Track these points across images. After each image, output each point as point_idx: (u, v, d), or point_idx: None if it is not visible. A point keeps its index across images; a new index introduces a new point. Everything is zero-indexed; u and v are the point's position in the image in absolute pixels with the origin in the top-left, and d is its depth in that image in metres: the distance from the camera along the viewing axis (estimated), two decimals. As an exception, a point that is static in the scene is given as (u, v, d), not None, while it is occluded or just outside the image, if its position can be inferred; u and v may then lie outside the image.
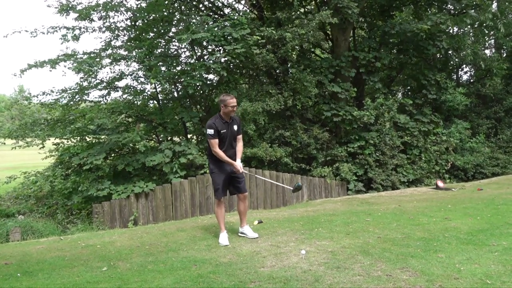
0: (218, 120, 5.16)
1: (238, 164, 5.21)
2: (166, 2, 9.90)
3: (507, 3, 13.52)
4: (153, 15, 9.98)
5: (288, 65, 11.59)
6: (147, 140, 10.43)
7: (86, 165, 8.53)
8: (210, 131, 5.07)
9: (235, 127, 5.28)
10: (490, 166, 13.14)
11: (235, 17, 9.55)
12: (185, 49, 10.77)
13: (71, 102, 9.85)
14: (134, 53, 9.49)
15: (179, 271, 4.09)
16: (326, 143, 10.73)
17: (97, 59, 9.16)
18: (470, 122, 13.77)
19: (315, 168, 10.21)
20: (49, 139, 9.93)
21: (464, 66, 16.34)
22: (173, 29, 10.63)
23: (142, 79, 10.12)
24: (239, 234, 5.50)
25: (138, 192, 8.05)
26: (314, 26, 9.73)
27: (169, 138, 9.89)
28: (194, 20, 10.16)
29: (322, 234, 5.41)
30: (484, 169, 12.96)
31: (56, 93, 9.66)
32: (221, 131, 5.12)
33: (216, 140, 5.09)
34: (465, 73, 17.30)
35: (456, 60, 14.83)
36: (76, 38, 9.69)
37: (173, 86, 10.64)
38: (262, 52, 9.36)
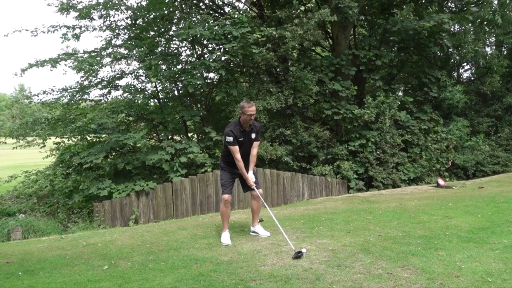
0: (237, 127, 5.01)
1: (250, 176, 5.13)
2: (167, 0, 9.89)
3: (508, 1, 13.47)
4: (153, 13, 9.97)
5: (289, 64, 11.58)
6: (148, 139, 10.44)
7: (87, 164, 8.54)
8: (229, 139, 4.94)
9: (253, 135, 5.14)
10: (491, 164, 13.13)
11: (236, 16, 9.54)
12: (186, 48, 10.78)
13: (72, 101, 9.86)
14: (134, 52, 9.49)
15: (180, 270, 4.10)
16: (327, 141, 10.73)
17: (98, 58, 9.17)
18: (469, 120, 13.76)
19: (316, 167, 10.21)
20: (50, 138, 9.94)
21: (465, 64, 16.33)
22: (174, 28, 10.63)
23: (143, 78, 10.13)
24: (251, 233, 5.48)
25: (139, 190, 8.05)
26: (313, 24, 9.72)
27: (169, 137, 9.90)
28: (194, 19, 10.15)
29: (322, 233, 5.41)
30: (485, 167, 12.95)
31: (57, 92, 9.70)
32: (239, 139, 5.00)
33: (237, 147, 4.97)
34: (466, 71, 17.29)
35: (457, 58, 14.80)
36: (76, 37, 9.70)
37: (173, 85, 10.64)
38: (262, 50, 9.36)
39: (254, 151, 5.22)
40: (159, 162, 8.57)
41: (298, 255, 4.33)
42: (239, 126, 5.03)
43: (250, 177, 5.13)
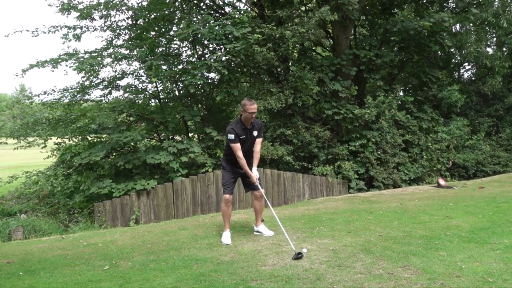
0: (238, 125, 5.06)
1: (254, 173, 5.14)
2: (167, 1, 9.90)
3: (509, 1, 13.46)
4: (154, 14, 9.98)
5: (289, 63, 11.56)
6: (149, 139, 10.43)
7: (85, 160, 8.53)
8: (231, 136, 4.98)
9: (255, 133, 5.17)
10: (492, 164, 13.12)
11: (236, 16, 9.53)
12: (186, 48, 10.78)
13: (73, 101, 9.87)
14: (135, 52, 9.49)
15: (181, 270, 4.10)
16: (328, 141, 10.72)
17: (99, 58, 9.16)
18: (470, 120, 13.75)
19: (317, 167, 10.20)
20: (51, 139, 9.95)
21: (466, 64, 16.31)
22: (174, 28, 10.63)
23: (144, 78, 10.13)
24: (255, 233, 5.48)
25: (140, 189, 8.05)
26: (314, 23, 9.70)
27: (170, 137, 9.90)
28: (195, 19, 10.16)
29: (323, 233, 5.41)
30: (486, 167, 12.94)
31: (58, 92, 9.70)
32: (241, 137, 5.03)
33: (238, 145, 5.00)
34: (467, 71, 17.26)
35: (458, 58, 14.79)
36: (77, 37, 9.70)
37: (174, 85, 10.64)
38: (262, 50, 9.37)
39: (258, 147, 5.25)
40: (165, 163, 8.52)
41: (298, 256, 4.33)
42: (240, 124, 5.08)
43: (254, 174, 5.14)
